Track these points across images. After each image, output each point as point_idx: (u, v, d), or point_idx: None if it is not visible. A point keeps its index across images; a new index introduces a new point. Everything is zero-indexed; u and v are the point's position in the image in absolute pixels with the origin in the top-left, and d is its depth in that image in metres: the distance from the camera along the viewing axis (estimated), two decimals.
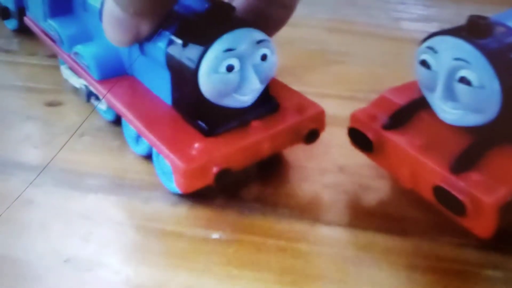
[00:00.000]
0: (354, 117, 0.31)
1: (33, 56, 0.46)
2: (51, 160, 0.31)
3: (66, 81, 0.40)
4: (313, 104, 0.32)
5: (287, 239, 0.29)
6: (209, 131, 0.29)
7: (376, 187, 0.32)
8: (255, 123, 0.30)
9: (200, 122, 0.30)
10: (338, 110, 0.33)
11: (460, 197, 0.25)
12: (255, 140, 0.30)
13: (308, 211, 0.30)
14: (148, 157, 0.33)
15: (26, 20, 0.43)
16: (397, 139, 0.29)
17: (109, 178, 0.33)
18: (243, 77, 0.28)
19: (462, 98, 0.26)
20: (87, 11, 0.37)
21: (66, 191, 0.32)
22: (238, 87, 0.29)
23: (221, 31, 0.28)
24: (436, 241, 0.29)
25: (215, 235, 0.29)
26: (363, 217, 0.30)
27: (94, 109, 0.36)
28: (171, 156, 0.28)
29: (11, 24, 0.49)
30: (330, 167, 0.34)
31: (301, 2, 0.31)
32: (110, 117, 0.37)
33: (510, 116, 0.26)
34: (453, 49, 0.26)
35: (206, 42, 0.28)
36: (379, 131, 0.29)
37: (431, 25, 0.53)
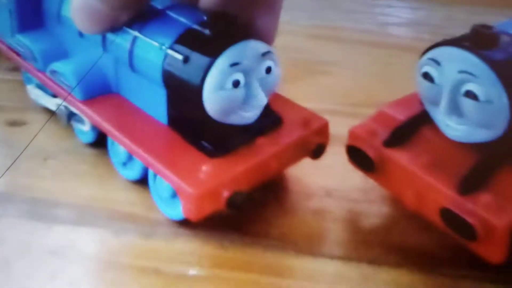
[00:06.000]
0: (353, 134, 0.30)
1: None
2: None
3: (31, 98, 0.39)
4: (316, 116, 0.32)
5: (271, 274, 0.28)
6: (215, 152, 0.28)
7: (367, 213, 0.31)
8: (260, 140, 0.29)
9: (204, 143, 0.29)
10: None
11: (470, 220, 0.25)
12: (263, 158, 0.29)
13: (294, 242, 0.29)
14: (123, 184, 0.32)
15: None
16: (400, 157, 0.28)
17: (78, 207, 0.31)
18: (249, 92, 0.28)
19: (468, 113, 0.26)
20: (61, 24, 0.36)
21: (31, 223, 0.30)
22: (243, 103, 0.28)
23: (225, 44, 0.27)
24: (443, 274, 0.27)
25: (193, 271, 0.28)
26: (356, 247, 0.29)
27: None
28: (178, 180, 0.27)
29: None
30: (316, 191, 0.32)
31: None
32: (90, 139, 0.35)
33: None
34: (458, 61, 0.26)
35: (210, 56, 0.27)
36: (381, 148, 0.29)
37: (421, 30, 0.52)
